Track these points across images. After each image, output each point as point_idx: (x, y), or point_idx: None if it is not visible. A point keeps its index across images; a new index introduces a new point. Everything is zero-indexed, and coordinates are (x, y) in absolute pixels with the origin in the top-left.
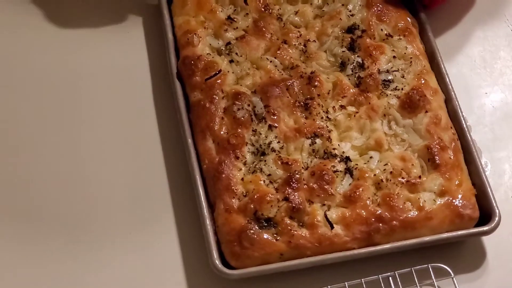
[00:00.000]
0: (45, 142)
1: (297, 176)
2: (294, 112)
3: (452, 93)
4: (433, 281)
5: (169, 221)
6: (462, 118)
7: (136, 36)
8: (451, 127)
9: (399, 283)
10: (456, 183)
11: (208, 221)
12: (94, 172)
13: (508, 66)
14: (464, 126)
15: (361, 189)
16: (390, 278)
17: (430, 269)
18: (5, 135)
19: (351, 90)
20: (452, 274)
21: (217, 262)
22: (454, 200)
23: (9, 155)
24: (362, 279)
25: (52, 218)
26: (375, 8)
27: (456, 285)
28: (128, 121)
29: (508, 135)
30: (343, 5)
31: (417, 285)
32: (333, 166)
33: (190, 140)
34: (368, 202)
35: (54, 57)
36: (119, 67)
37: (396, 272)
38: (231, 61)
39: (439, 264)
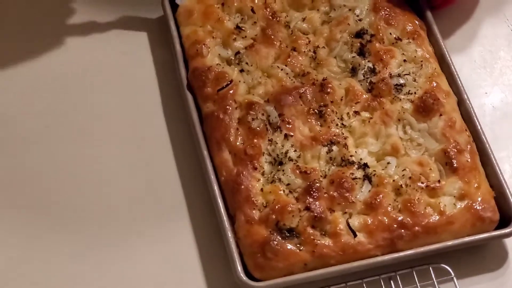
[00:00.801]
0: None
1: (317, 185)
2: (309, 120)
3: (465, 94)
4: (434, 282)
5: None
6: (476, 120)
7: (142, 47)
8: (465, 130)
9: (400, 284)
10: (475, 186)
11: (229, 234)
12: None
13: (508, 66)
14: (479, 127)
15: (381, 195)
16: (391, 278)
17: (431, 270)
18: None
19: (364, 96)
20: (453, 274)
21: (242, 275)
22: (474, 204)
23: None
24: (362, 279)
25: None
26: (383, 12)
27: (457, 286)
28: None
29: (508, 135)
30: (350, 10)
31: (418, 285)
32: (352, 174)
33: (205, 152)
34: (389, 208)
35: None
36: (125, 80)
37: (396, 272)
38: (241, 71)
39: (439, 265)
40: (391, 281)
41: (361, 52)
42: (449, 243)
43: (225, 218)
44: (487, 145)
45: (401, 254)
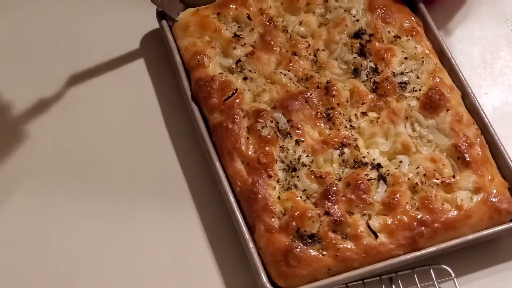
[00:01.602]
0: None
1: (334, 188)
2: (318, 124)
3: (468, 88)
4: (434, 282)
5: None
6: (482, 112)
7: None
8: (473, 123)
9: (400, 284)
10: (489, 178)
11: (251, 244)
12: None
13: (508, 66)
14: (486, 120)
15: (398, 195)
16: (391, 279)
17: (431, 270)
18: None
19: (369, 96)
20: (453, 275)
21: (268, 284)
22: (490, 196)
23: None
24: (363, 280)
25: None
26: (379, 11)
27: (457, 286)
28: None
29: (508, 135)
30: (345, 10)
31: (418, 286)
32: (366, 175)
33: (218, 164)
34: (407, 207)
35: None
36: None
37: (397, 273)
38: (244, 78)
39: (440, 265)
40: (392, 282)
41: (362, 53)
42: (469, 237)
43: (244, 228)
44: (496, 137)
45: (423, 252)
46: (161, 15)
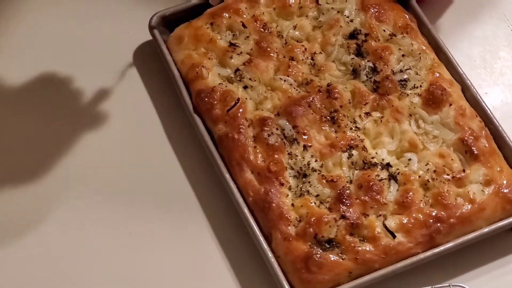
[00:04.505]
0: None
1: (347, 191)
2: (323, 127)
3: (468, 81)
4: None
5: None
6: (484, 104)
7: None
8: (476, 115)
9: None
10: (498, 169)
11: (270, 254)
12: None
13: (508, 66)
14: (489, 112)
15: (411, 193)
16: None
17: None
18: None
19: (371, 96)
20: None
21: None
22: (501, 187)
23: None
24: None
25: None
26: (372, 10)
27: None
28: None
29: (508, 135)
30: (338, 12)
31: None
32: (377, 175)
33: (227, 175)
34: (421, 205)
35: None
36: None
37: None
38: (245, 87)
39: (460, 284)
40: None
41: (359, 53)
42: (485, 230)
43: (261, 238)
44: (500, 128)
45: (442, 248)
46: (153, 29)
